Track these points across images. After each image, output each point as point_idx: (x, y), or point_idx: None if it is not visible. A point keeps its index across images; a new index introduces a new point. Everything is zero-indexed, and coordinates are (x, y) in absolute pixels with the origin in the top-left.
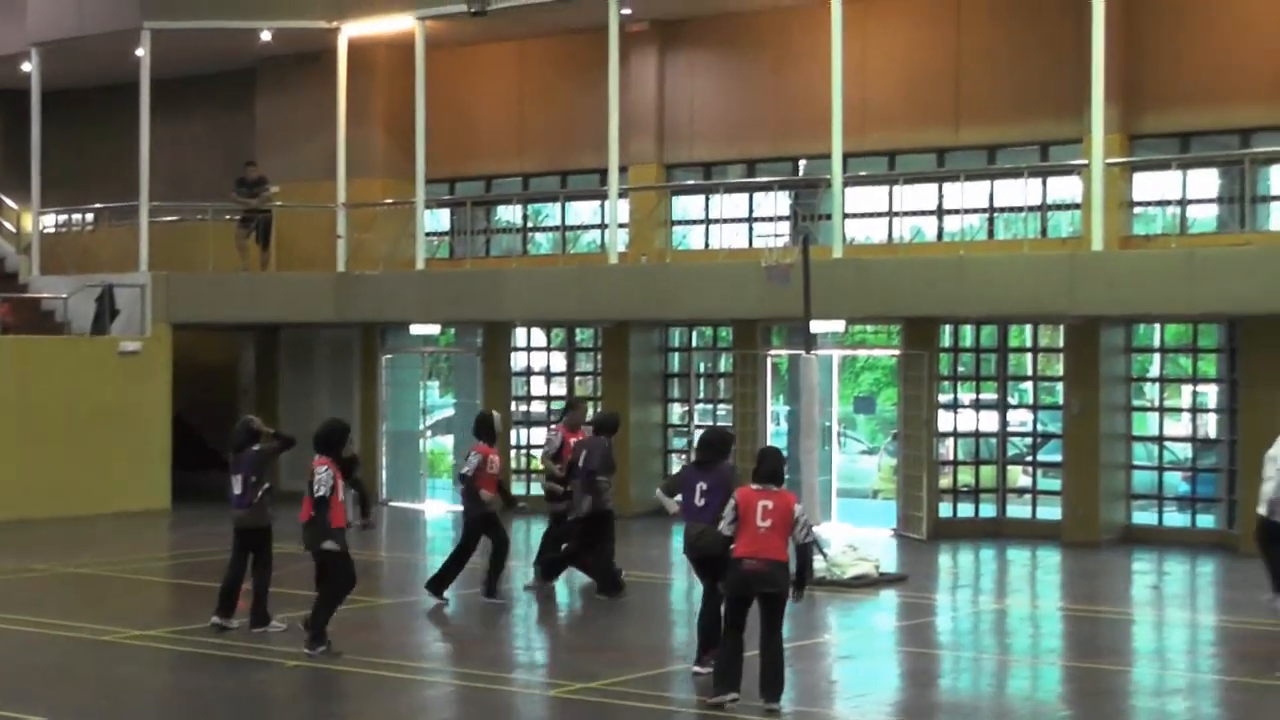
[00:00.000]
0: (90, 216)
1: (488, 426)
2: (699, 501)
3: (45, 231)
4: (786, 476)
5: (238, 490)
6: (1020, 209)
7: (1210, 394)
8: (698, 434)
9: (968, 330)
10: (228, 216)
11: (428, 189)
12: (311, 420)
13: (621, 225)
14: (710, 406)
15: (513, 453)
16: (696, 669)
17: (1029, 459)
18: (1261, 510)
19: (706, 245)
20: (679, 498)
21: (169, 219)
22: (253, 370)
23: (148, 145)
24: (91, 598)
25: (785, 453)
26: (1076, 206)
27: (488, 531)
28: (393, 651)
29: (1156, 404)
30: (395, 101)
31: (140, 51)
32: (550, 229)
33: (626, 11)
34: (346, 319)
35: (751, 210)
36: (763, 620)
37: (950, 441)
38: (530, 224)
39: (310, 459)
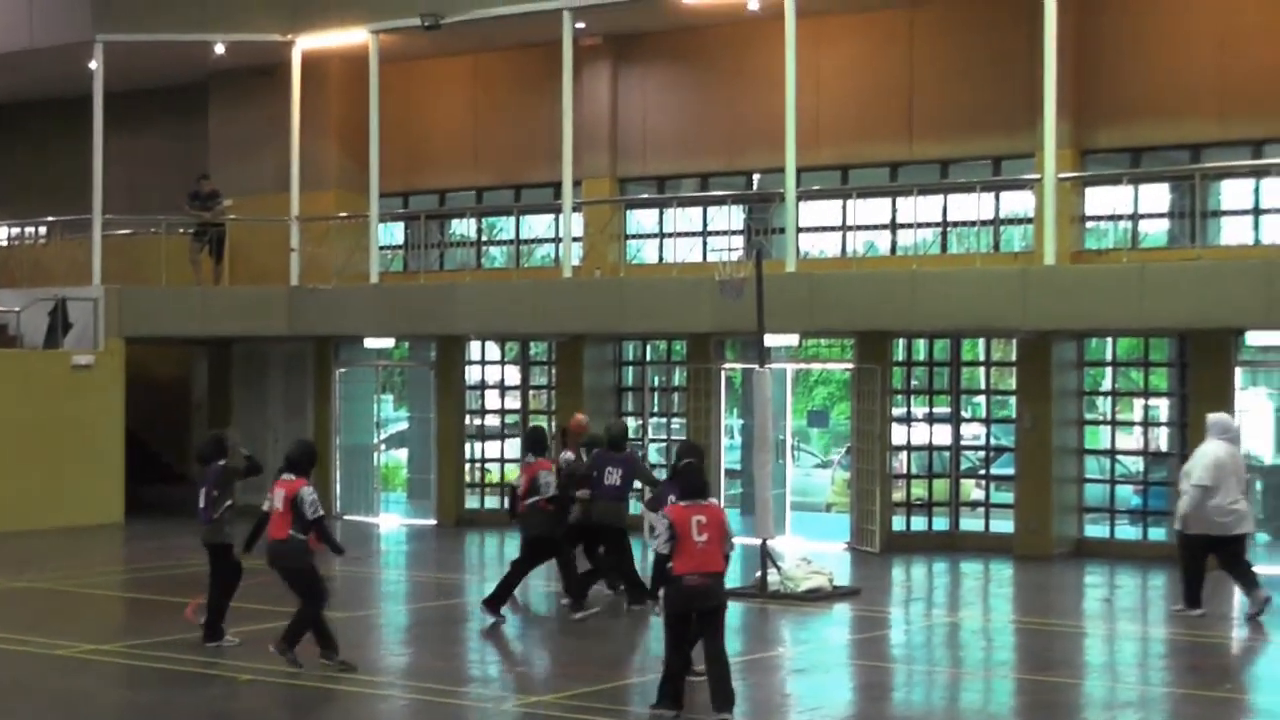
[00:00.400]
0: (43, 230)
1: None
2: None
3: None
4: (740, 490)
5: (201, 504)
6: (973, 223)
7: (1161, 408)
8: (668, 446)
9: (921, 344)
10: (181, 230)
11: (382, 202)
12: (266, 434)
13: (575, 239)
14: (665, 420)
15: (467, 467)
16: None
17: (982, 472)
18: (1176, 524)
19: (660, 259)
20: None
21: (122, 232)
22: (206, 384)
23: (101, 158)
24: (45, 612)
25: (739, 465)
26: (1029, 221)
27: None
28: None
29: (1108, 418)
30: (349, 115)
31: (93, 64)
32: (504, 243)
33: (580, 26)
34: (300, 333)
35: (705, 224)
36: (706, 634)
37: (903, 455)
38: (484, 238)
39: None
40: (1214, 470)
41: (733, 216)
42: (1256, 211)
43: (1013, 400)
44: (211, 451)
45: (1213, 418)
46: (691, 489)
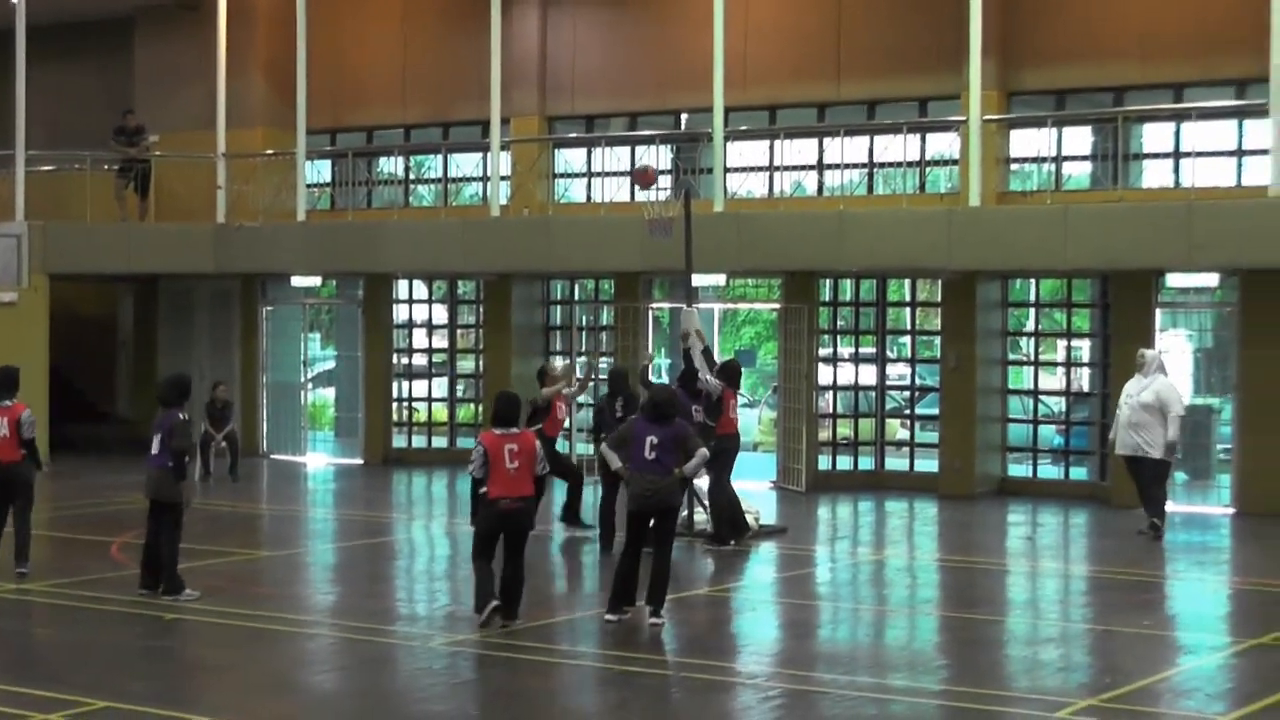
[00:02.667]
0: None
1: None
2: (649, 455)
3: None
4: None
5: (155, 450)
6: (899, 164)
7: (1084, 348)
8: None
9: (847, 284)
10: (106, 166)
11: (309, 140)
12: (192, 372)
13: (503, 178)
14: (587, 358)
15: (394, 405)
16: (609, 616)
17: (907, 412)
18: (1163, 454)
19: (588, 198)
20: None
21: (46, 168)
22: (131, 322)
23: (24, 93)
24: None
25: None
26: (954, 162)
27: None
28: (274, 603)
29: (1031, 358)
30: (276, 51)
31: None
32: (432, 181)
33: None
34: (226, 270)
35: (633, 163)
36: (508, 550)
37: (830, 394)
38: (412, 176)
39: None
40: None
41: (661, 156)
42: (1177, 155)
43: (938, 340)
44: (176, 395)
45: (1154, 354)
46: (505, 419)
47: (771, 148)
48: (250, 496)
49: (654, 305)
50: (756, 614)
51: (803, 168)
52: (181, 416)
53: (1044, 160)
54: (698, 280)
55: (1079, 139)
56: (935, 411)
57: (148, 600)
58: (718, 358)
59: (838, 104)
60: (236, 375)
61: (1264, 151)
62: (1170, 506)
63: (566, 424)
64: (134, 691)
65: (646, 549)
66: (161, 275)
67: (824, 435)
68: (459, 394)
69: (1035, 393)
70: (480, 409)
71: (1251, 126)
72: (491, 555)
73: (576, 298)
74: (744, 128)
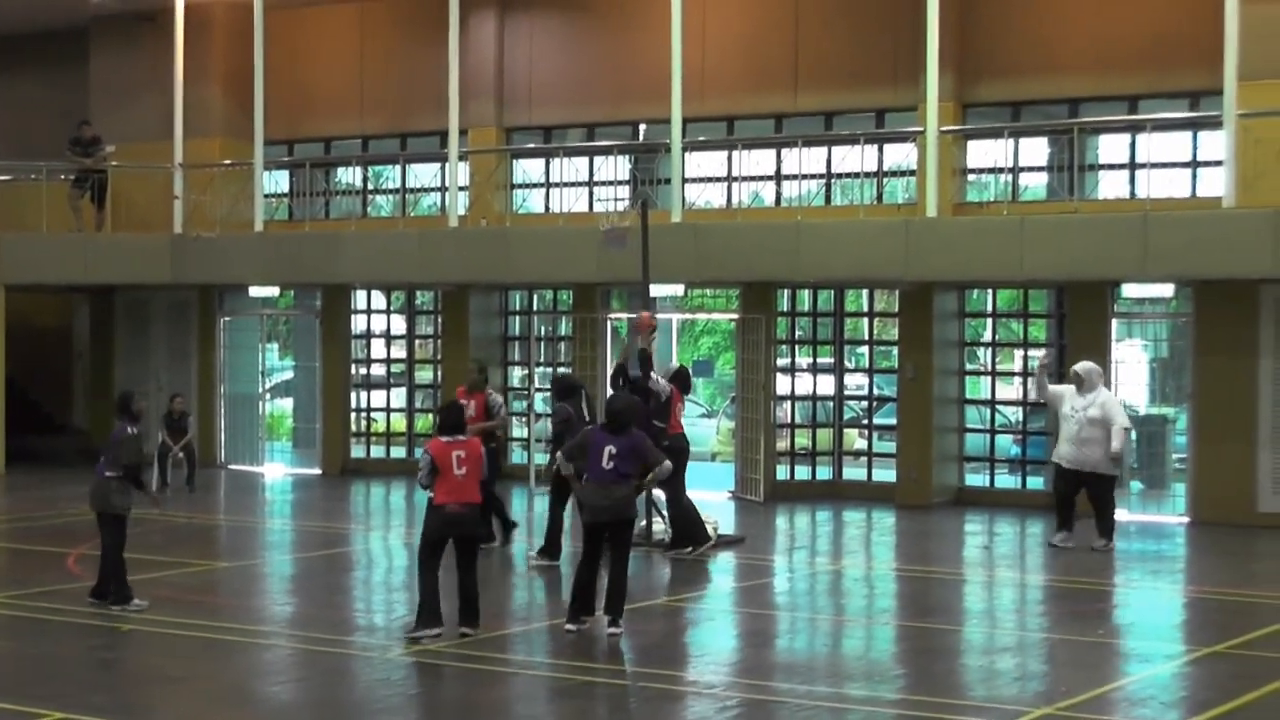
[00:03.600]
0: None
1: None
2: (607, 465)
3: None
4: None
5: (100, 462)
6: (857, 175)
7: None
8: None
9: (805, 295)
10: (62, 176)
11: (266, 150)
12: (149, 383)
13: (461, 188)
14: (550, 370)
15: (352, 416)
16: (569, 626)
17: (864, 422)
18: (1108, 469)
19: (546, 209)
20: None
21: (2, 178)
22: (88, 332)
23: None
24: None
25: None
26: (911, 173)
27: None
28: (231, 614)
29: (988, 368)
30: (234, 61)
31: None
32: (390, 191)
33: None
34: (184, 281)
35: (591, 174)
36: (461, 561)
37: (788, 405)
38: (370, 186)
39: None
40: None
41: (619, 167)
42: (1132, 166)
43: (895, 351)
44: (116, 409)
45: (1094, 367)
46: (451, 426)
47: (729, 159)
48: (207, 507)
49: (612, 316)
50: (714, 624)
51: (760, 178)
52: (130, 431)
53: (1000, 171)
54: (655, 291)
55: (1035, 150)
56: (893, 421)
57: (104, 612)
58: (673, 365)
59: (795, 115)
60: (194, 386)
61: (1218, 163)
62: (1125, 515)
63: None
64: (91, 703)
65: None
66: (118, 286)
67: (782, 445)
68: (417, 404)
69: (992, 403)
70: (437, 420)
71: (1206, 138)
72: (437, 565)
73: (535, 308)
74: (702, 138)
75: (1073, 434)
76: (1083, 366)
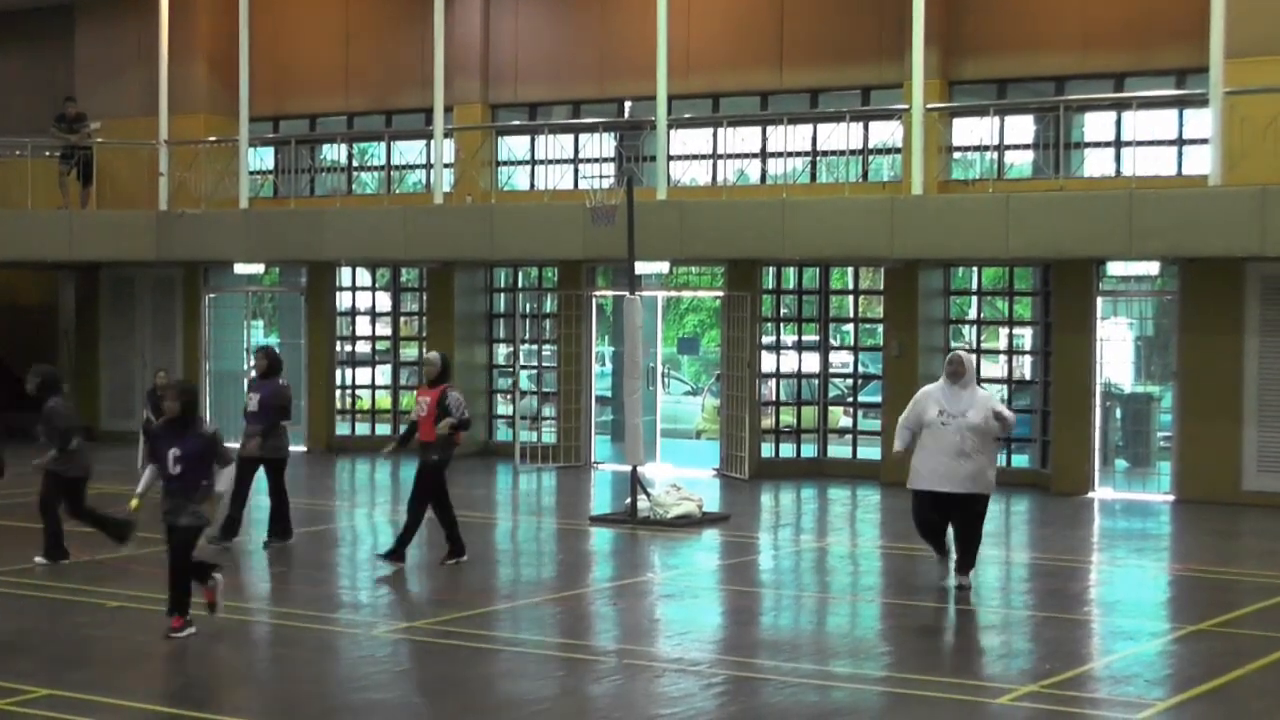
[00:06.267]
0: None
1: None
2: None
3: None
4: (611, 417)
5: None
6: (842, 153)
7: (1026, 336)
8: (539, 373)
9: (790, 272)
10: (48, 153)
11: (251, 127)
12: (134, 360)
13: (446, 165)
14: (535, 347)
15: (337, 393)
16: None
17: (850, 400)
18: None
19: (532, 186)
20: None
21: None
22: (73, 309)
23: None
24: None
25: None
26: (897, 151)
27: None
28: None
29: (974, 346)
30: (218, 38)
31: None
32: (375, 168)
33: None
34: (169, 258)
35: (577, 151)
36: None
37: (773, 382)
38: (355, 163)
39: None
40: None
41: (604, 144)
42: (1118, 144)
43: (880, 328)
44: (44, 386)
45: (971, 358)
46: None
47: (715, 136)
48: None
49: (597, 293)
50: (699, 601)
51: (746, 156)
52: (53, 402)
53: (986, 149)
54: (640, 268)
55: (1021, 128)
56: (878, 399)
57: (90, 589)
58: (660, 347)
59: (781, 92)
60: (179, 363)
61: (1203, 141)
62: (1111, 494)
63: None
64: (75, 679)
65: None
66: (103, 263)
67: (767, 423)
68: (402, 381)
69: (978, 380)
70: None
71: (1191, 116)
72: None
73: (520, 285)
74: (687, 116)
75: (949, 446)
76: (965, 354)
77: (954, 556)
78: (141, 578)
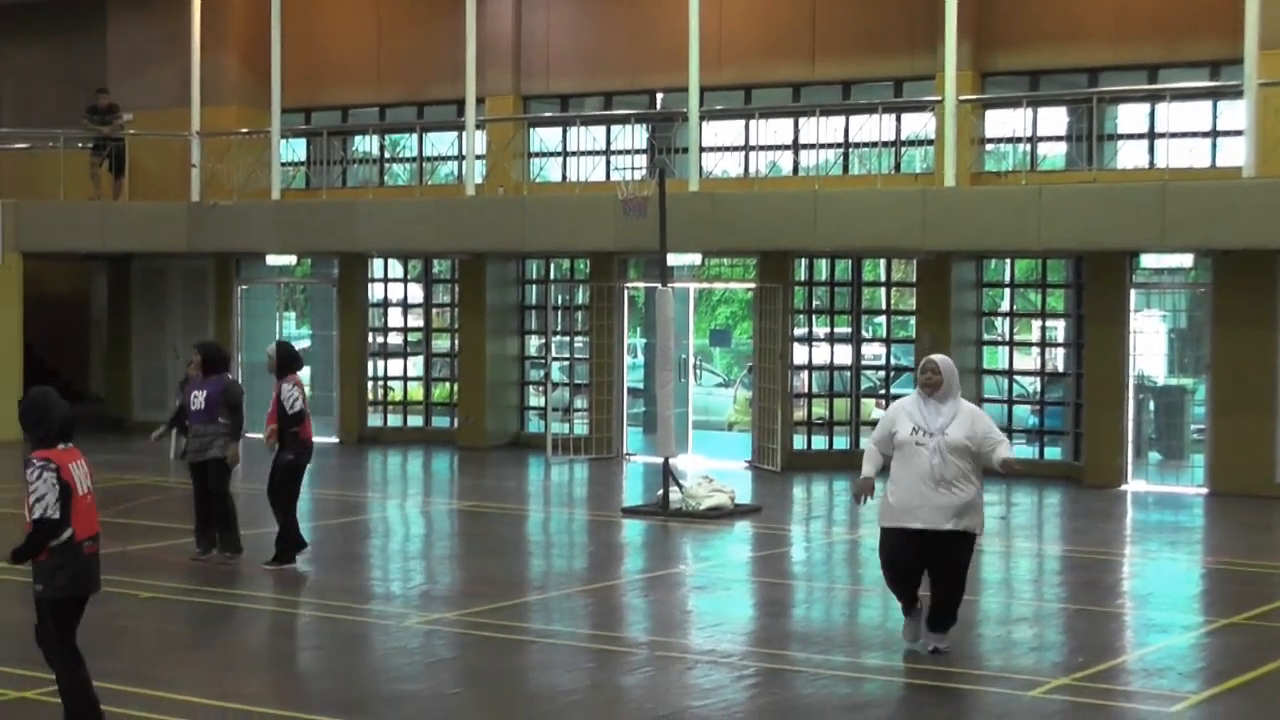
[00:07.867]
0: None
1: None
2: None
3: None
4: (643, 409)
5: None
6: (874, 144)
7: (1058, 328)
8: (570, 364)
9: (822, 264)
10: (80, 144)
11: (283, 118)
12: (165, 351)
13: (478, 157)
14: (567, 339)
15: (369, 385)
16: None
17: (882, 392)
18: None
19: (564, 178)
20: None
21: (19, 146)
22: (105, 301)
23: None
24: None
25: (642, 384)
26: (929, 143)
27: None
28: (248, 582)
29: (1006, 338)
30: (251, 29)
31: None
32: (407, 160)
33: None
34: (200, 249)
35: (609, 143)
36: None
37: (805, 374)
38: (387, 155)
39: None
40: None
41: (636, 135)
42: (1151, 135)
43: (913, 320)
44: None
45: (952, 365)
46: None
47: (746, 128)
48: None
49: (629, 285)
50: (731, 592)
51: (778, 148)
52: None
53: (1019, 141)
54: (673, 260)
55: (1053, 120)
56: (910, 392)
57: (122, 579)
58: (692, 339)
59: (813, 84)
60: None
61: (1238, 133)
62: (1144, 486)
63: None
64: (108, 669)
65: None
66: (135, 254)
67: (799, 415)
68: (434, 373)
69: (1010, 373)
70: (455, 388)
71: (1225, 108)
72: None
73: (551, 277)
74: (719, 107)
75: (925, 472)
76: (942, 360)
77: (925, 612)
78: (173, 568)
